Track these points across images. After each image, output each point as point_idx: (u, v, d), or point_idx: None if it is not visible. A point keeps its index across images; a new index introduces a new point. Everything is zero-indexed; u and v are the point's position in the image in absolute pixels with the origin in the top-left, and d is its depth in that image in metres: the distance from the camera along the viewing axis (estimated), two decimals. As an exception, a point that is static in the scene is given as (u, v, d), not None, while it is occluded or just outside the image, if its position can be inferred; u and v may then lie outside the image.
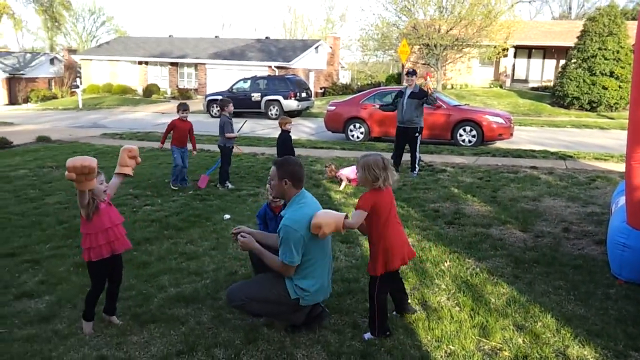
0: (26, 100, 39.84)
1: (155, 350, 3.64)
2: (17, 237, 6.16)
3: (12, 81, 42.45)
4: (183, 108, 8.73)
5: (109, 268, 3.88)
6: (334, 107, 15.94)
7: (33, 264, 5.29)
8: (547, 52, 32.79)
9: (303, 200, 3.73)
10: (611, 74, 24.02)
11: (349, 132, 15.32)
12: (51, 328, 3.95)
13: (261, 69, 33.27)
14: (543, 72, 33.36)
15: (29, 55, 47.21)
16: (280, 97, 23.20)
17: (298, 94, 23.55)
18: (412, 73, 9.88)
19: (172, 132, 8.79)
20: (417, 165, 9.87)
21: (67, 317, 4.13)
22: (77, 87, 32.12)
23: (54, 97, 39.17)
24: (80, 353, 3.60)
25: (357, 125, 15.24)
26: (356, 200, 7.75)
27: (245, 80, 25.30)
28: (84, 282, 4.74)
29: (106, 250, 3.74)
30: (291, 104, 23.18)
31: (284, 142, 8.58)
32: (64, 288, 4.67)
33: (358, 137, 15.18)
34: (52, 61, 46.00)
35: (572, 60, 25.29)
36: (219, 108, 9.63)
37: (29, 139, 14.93)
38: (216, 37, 44.34)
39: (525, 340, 3.75)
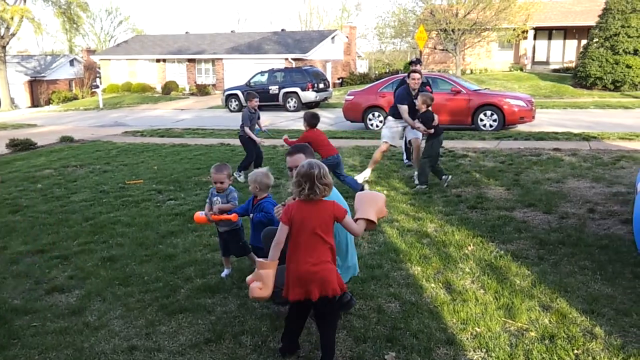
0: (48, 102, 40.44)
1: (184, 339, 3.70)
2: (46, 234, 6.28)
3: (34, 84, 43.17)
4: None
5: None
6: (352, 97, 15.89)
7: (62, 259, 5.40)
8: (568, 32, 32.20)
9: None
10: (635, 52, 23.56)
11: (368, 121, 15.27)
12: (82, 320, 4.03)
13: (278, 61, 33.27)
14: (564, 53, 32.77)
15: (49, 57, 47.94)
16: (298, 89, 23.18)
17: (316, 85, 23.51)
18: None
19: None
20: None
21: (97, 309, 4.22)
22: (97, 87, 32.48)
23: (75, 98, 39.68)
24: (111, 344, 3.67)
25: (376, 114, 15.17)
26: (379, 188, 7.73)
27: (262, 73, 25.32)
28: (112, 276, 4.85)
29: None
30: (309, 95, 23.16)
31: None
32: (92, 282, 4.76)
33: (377, 126, 15.10)
34: (71, 62, 46.64)
35: (594, 40, 24.81)
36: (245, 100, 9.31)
37: (53, 140, 15.19)
38: (232, 31, 44.40)
39: (551, 320, 3.73)
